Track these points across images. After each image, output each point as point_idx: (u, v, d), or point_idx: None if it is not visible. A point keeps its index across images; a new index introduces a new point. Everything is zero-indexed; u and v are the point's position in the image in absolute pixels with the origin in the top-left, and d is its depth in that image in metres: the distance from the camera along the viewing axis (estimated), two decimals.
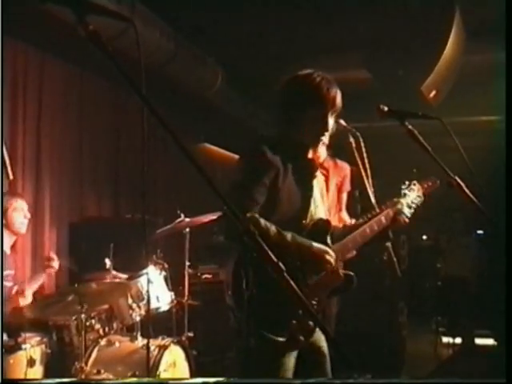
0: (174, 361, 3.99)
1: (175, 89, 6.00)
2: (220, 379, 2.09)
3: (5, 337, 3.49)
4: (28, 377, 3.50)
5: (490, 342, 6.83)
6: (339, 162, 4.52)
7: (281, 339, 2.50)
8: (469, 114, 6.81)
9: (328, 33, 5.60)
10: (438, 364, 6.33)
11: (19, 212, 4.14)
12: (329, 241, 2.72)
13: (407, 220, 2.96)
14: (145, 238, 3.65)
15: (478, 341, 7.06)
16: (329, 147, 4.42)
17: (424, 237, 9.24)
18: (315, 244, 2.62)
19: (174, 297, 4.43)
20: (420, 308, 7.58)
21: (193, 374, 4.14)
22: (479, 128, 7.06)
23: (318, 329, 2.63)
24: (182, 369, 4.09)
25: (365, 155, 3.54)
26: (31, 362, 3.51)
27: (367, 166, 3.54)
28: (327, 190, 4.45)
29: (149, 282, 4.09)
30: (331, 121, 2.72)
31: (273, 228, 2.49)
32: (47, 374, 3.65)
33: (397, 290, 6.23)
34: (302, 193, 2.69)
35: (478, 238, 7.69)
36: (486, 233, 7.44)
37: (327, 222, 2.76)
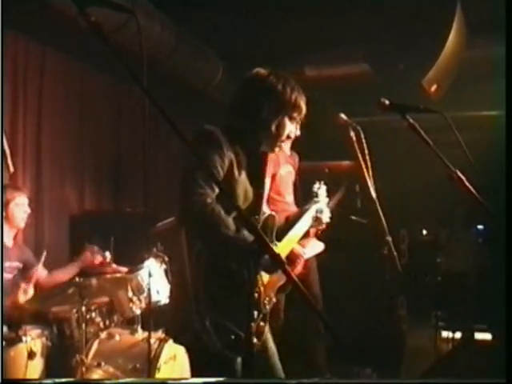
0: (174, 354, 3.99)
1: (175, 82, 5.99)
2: (220, 379, 2.10)
3: (5, 329, 3.50)
4: (29, 370, 3.50)
5: (489, 336, 6.84)
6: (290, 152, 4.55)
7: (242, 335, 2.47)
8: (470, 109, 6.80)
9: (329, 27, 5.59)
10: (438, 358, 6.33)
11: (20, 207, 4.17)
12: (274, 237, 2.75)
13: (328, 219, 3.09)
14: (145, 232, 3.66)
15: (478, 335, 7.07)
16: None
17: (424, 231, 9.23)
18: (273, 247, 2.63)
19: None
20: (420, 302, 7.57)
21: (193, 367, 4.15)
22: (480, 122, 7.05)
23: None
24: (183, 362, 4.10)
25: (365, 149, 3.54)
26: (32, 355, 3.51)
27: (368, 160, 3.54)
28: (295, 182, 4.48)
29: (149, 275, 4.09)
30: (291, 125, 2.70)
31: (230, 221, 2.44)
32: (48, 366, 3.66)
33: (397, 285, 6.23)
34: (255, 189, 2.68)
35: (479, 233, 7.69)
36: (486, 227, 7.44)
37: (274, 218, 2.77)
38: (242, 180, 2.59)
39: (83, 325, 3.77)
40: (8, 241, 4.12)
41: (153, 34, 4.87)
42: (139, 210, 5.89)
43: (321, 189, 3.16)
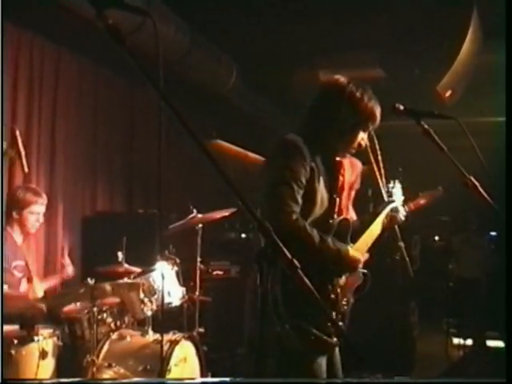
0: (184, 356, 4.00)
1: (189, 85, 6.01)
2: (220, 379, 2.10)
3: (17, 328, 3.51)
4: (40, 369, 3.51)
5: (501, 344, 6.79)
6: (353, 159, 4.52)
7: (326, 337, 2.52)
8: (485, 114, 6.76)
9: (343, 31, 5.58)
10: (449, 365, 6.30)
11: (34, 215, 4.13)
12: (349, 240, 2.76)
13: (403, 218, 3.06)
14: (157, 233, 3.67)
15: (490, 343, 7.03)
16: None
17: (436, 237, 9.20)
18: (351, 250, 2.68)
19: (185, 292, 4.44)
20: (431, 309, 7.55)
21: (203, 370, 4.15)
22: (495, 128, 7.00)
23: None
24: (193, 364, 4.10)
25: (379, 154, 3.52)
26: (43, 354, 3.52)
27: (381, 164, 3.53)
28: (343, 187, 4.47)
29: (162, 277, 4.10)
30: (363, 134, 2.77)
31: (315, 232, 2.52)
32: (59, 366, 3.67)
33: (408, 291, 6.21)
34: (330, 194, 2.73)
35: (492, 239, 7.65)
36: (499, 234, 7.39)
37: (348, 221, 2.79)
38: (320, 187, 2.64)
39: (94, 325, 3.79)
40: (18, 240, 4.12)
41: (167, 37, 4.88)
42: (152, 212, 5.90)
43: (395, 188, 3.15)
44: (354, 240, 2.79)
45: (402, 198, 3.18)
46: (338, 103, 2.66)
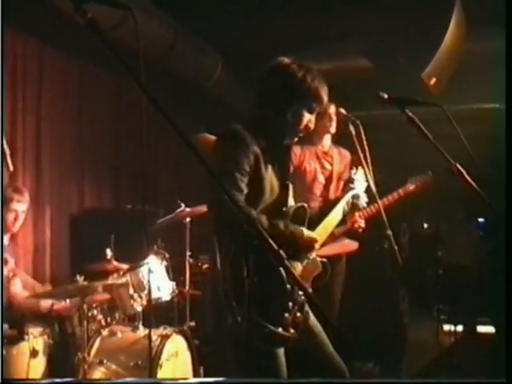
0: (176, 350, 4.00)
1: (175, 78, 5.98)
2: (220, 379, 2.09)
3: (6, 327, 3.49)
4: (31, 368, 3.51)
5: (491, 329, 6.84)
6: (342, 150, 4.53)
7: (280, 330, 2.50)
8: (469, 102, 6.78)
9: (328, 21, 5.57)
10: (440, 352, 6.34)
11: (13, 213, 4.11)
12: (306, 226, 2.72)
13: (365, 204, 3.11)
14: (145, 228, 3.66)
15: (480, 328, 7.07)
16: (334, 136, 4.47)
17: (425, 225, 9.23)
18: (306, 231, 2.63)
19: (175, 287, 4.43)
20: (421, 296, 7.58)
21: (195, 364, 4.15)
22: (480, 115, 7.04)
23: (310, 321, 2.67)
24: (185, 358, 4.11)
25: (365, 144, 3.53)
26: (34, 353, 3.52)
27: (367, 154, 3.54)
28: (331, 178, 4.48)
29: (150, 271, 4.09)
30: (310, 116, 2.69)
31: (263, 218, 2.48)
32: (50, 364, 3.66)
33: (398, 279, 6.23)
34: (281, 181, 2.69)
35: (479, 226, 7.69)
36: (487, 220, 7.43)
37: (305, 208, 2.75)
38: (269, 173, 2.60)
39: (85, 322, 3.78)
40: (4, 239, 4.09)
41: (151, 30, 4.86)
42: (139, 207, 5.89)
43: (357, 174, 3.16)
44: (313, 228, 2.75)
45: (365, 184, 3.19)
46: (279, 85, 2.63)
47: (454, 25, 5.04)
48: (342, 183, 4.50)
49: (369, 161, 3.46)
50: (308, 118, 2.69)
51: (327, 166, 4.47)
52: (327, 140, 4.47)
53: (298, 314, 2.61)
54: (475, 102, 6.98)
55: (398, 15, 5.20)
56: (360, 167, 3.24)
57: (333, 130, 4.36)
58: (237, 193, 2.43)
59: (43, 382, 3.45)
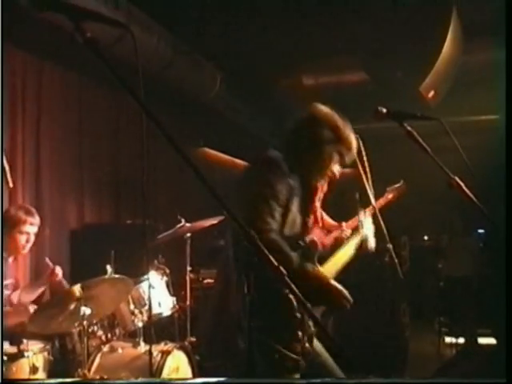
0: (177, 366, 3.99)
1: (174, 93, 6.00)
2: (220, 379, 2.08)
3: (7, 344, 3.48)
4: None
5: (492, 341, 6.81)
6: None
7: (296, 357, 2.50)
8: (467, 114, 6.80)
9: (326, 36, 5.60)
10: (441, 364, 6.31)
11: (24, 236, 4.07)
12: (316, 261, 2.74)
13: (373, 246, 3.18)
14: (146, 244, 3.65)
15: (481, 340, 7.05)
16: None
17: (425, 237, 9.23)
18: (333, 282, 2.64)
19: (175, 302, 4.42)
20: (422, 308, 7.56)
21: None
22: (478, 127, 7.06)
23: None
24: (186, 374, 4.09)
25: (364, 157, 3.54)
26: (34, 370, 3.49)
27: (367, 167, 3.54)
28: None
29: (150, 287, 4.08)
30: (339, 167, 2.82)
31: (293, 254, 2.50)
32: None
33: (399, 291, 6.22)
34: (303, 218, 2.74)
35: (480, 238, 7.68)
36: (487, 232, 7.43)
37: (316, 243, 2.78)
38: (294, 209, 2.64)
39: (85, 339, 3.75)
40: (9, 258, 4.08)
41: (149, 46, 4.88)
42: (139, 223, 5.88)
43: (366, 218, 3.26)
44: (321, 262, 2.78)
45: (373, 227, 3.27)
46: (321, 129, 2.74)
47: (451, 37, 5.07)
48: (322, 195, 4.50)
49: (368, 174, 3.47)
50: (337, 168, 2.82)
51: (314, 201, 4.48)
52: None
53: (307, 345, 2.61)
54: (473, 113, 7.00)
55: (395, 29, 5.23)
56: (368, 211, 3.28)
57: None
58: (271, 221, 2.47)
59: (43, 382, 3.42)
